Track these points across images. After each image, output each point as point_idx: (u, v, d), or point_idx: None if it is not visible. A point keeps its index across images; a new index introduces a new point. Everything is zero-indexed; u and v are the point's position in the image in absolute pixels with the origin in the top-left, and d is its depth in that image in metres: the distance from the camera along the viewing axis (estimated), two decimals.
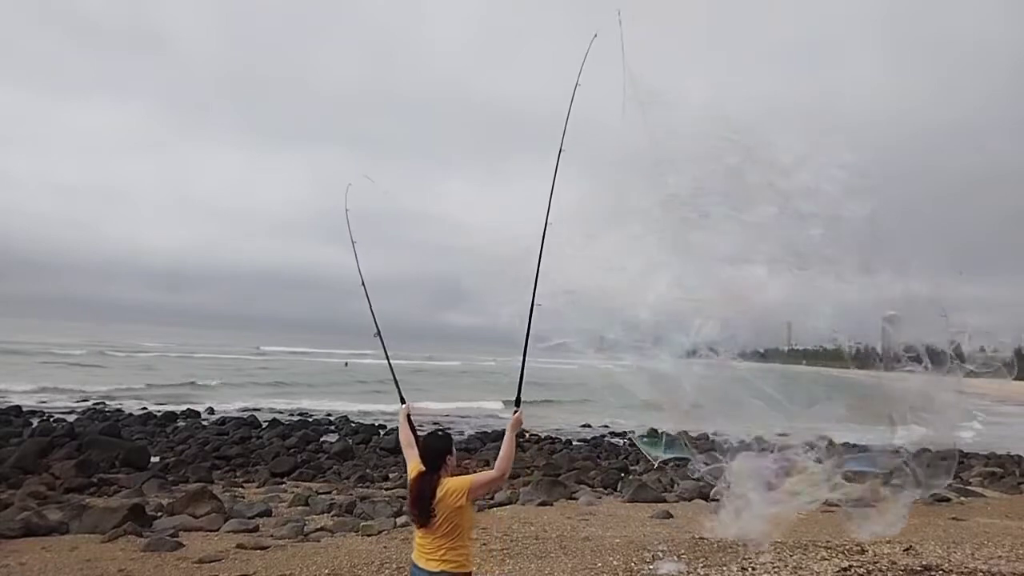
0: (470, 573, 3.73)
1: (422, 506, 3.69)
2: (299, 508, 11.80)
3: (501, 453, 3.84)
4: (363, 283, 4.95)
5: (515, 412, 4.03)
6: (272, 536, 9.18)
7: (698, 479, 15.63)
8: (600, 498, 13.15)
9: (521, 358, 4.23)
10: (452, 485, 3.72)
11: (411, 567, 3.78)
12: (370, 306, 4.89)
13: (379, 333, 4.84)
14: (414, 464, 3.89)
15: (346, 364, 62.73)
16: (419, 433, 4.26)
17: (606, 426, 28.00)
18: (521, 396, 4.16)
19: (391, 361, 4.79)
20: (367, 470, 16.23)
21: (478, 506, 11.69)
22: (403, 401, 4.47)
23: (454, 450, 3.92)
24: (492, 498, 12.51)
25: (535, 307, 4.21)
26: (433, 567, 3.65)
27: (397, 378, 4.68)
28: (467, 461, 17.57)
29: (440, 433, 3.99)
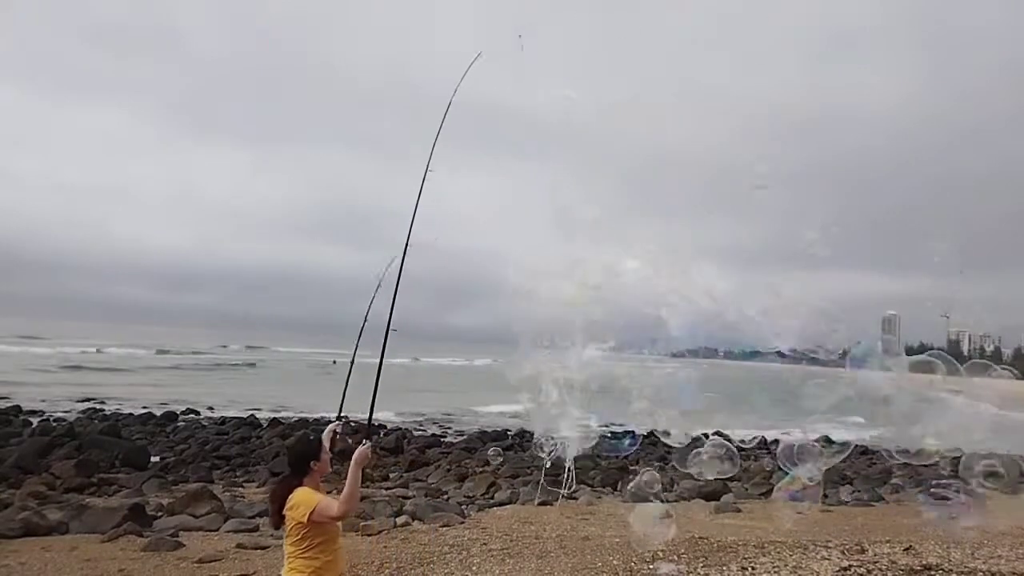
0: None
1: (272, 509, 3.62)
2: None
3: (345, 491, 3.46)
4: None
5: (362, 444, 3.58)
6: (272, 536, 9.16)
7: (698, 479, 15.80)
8: (600, 498, 13.14)
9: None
10: (298, 499, 3.53)
11: None
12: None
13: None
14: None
15: (334, 362, 62.56)
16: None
17: (605, 427, 27.98)
18: (371, 424, 3.79)
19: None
20: (367, 470, 16.14)
21: (478, 505, 11.67)
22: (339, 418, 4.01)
23: (323, 456, 3.66)
24: (492, 497, 12.50)
25: None
26: (283, 574, 3.60)
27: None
28: (467, 461, 17.57)
29: (310, 437, 3.83)
